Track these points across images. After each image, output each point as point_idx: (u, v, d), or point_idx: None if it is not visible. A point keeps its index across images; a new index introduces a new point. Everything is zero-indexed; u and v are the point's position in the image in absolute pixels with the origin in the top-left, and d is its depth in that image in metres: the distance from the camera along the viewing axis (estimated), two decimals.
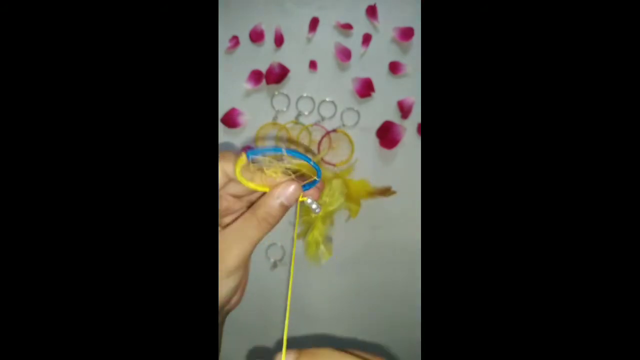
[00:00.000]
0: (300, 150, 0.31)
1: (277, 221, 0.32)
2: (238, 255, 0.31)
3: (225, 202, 0.35)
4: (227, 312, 0.37)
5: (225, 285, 0.31)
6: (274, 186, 0.31)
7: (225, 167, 0.32)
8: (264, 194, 0.32)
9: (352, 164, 0.50)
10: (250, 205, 0.35)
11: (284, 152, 0.30)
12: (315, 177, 0.32)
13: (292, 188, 0.31)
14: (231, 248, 0.31)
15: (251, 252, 0.32)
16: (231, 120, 0.50)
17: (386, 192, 0.49)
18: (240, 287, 0.36)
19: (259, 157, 0.30)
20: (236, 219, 0.33)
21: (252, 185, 0.31)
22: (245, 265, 0.33)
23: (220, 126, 0.50)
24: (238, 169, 0.31)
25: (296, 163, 0.31)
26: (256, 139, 0.50)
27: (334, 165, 0.50)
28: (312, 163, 0.31)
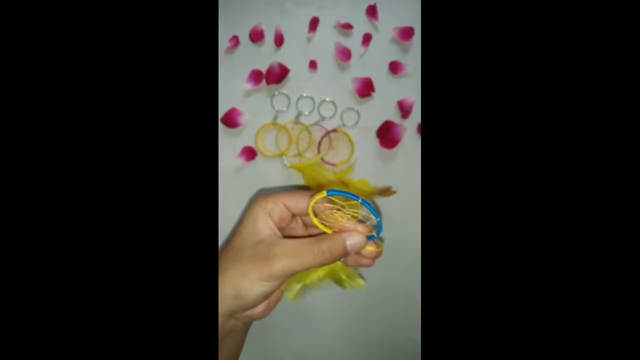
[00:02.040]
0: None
1: (333, 260, 0.33)
2: (285, 269, 0.32)
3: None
4: (252, 320, 0.38)
5: (259, 287, 0.32)
6: (337, 229, 0.33)
7: (296, 202, 0.34)
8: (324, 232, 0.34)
9: (352, 164, 0.49)
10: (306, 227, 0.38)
11: (360, 201, 0.32)
12: (374, 233, 0.34)
13: (360, 239, 0.33)
14: (283, 258, 0.32)
15: (296, 273, 0.33)
16: (231, 120, 0.50)
17: (386, 192, 0.49)
18: (271, 301, 0.37)
19: (335, 198, 0.32)
20: (295, 237, 0.34)
21: (317, 222, 0.33)
22: (284, 280, 0.33)
23: (220, 126, 0.50)
24: (312, 203, 0.33)
25: (362, 214, 0.33)
26: (256, 138, 0.50)
27: (334, 165, 0.50)
28: (379, 219, 0.33)
